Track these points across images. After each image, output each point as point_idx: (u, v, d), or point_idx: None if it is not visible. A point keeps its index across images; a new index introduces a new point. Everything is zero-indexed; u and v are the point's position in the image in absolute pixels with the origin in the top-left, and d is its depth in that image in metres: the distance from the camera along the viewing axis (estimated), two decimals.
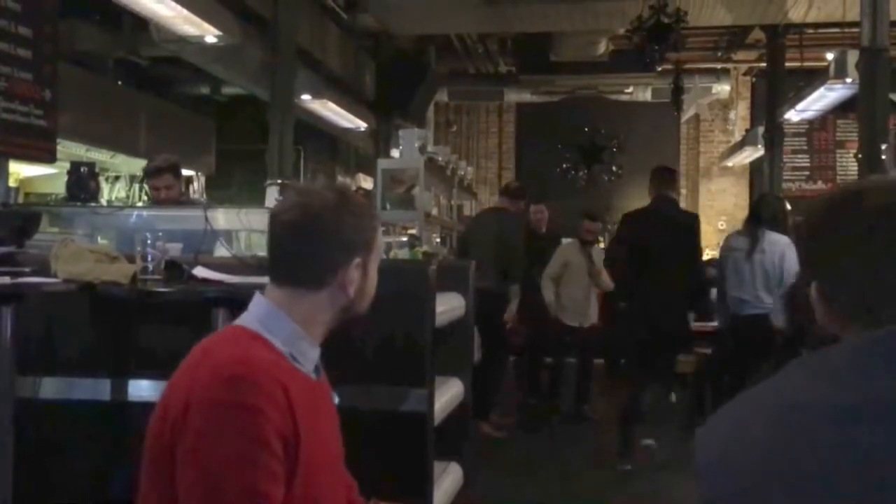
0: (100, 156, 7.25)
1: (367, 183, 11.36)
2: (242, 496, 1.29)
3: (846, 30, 8.79)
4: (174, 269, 2.59)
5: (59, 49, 4.97)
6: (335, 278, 1.47)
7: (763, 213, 5.27)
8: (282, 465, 1.33)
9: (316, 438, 1.42)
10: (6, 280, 2.40)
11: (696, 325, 7.47)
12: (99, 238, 3.65)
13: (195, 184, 8.00)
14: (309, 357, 1.49)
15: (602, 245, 7.11)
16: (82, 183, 3.60)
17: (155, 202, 4.37)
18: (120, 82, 8.19)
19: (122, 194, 7.78)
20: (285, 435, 1.34)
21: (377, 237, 1.54)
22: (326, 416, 1.52)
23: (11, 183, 6.10)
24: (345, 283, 1.47)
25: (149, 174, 4.46)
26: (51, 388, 2.61)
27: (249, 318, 1.47)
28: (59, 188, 6.30)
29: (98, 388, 2.58)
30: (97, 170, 5.74)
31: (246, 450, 1.31)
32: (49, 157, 4.79)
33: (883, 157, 5.90)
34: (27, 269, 2.56)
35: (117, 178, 7.90)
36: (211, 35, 6.24)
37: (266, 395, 1.34)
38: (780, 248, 5.03)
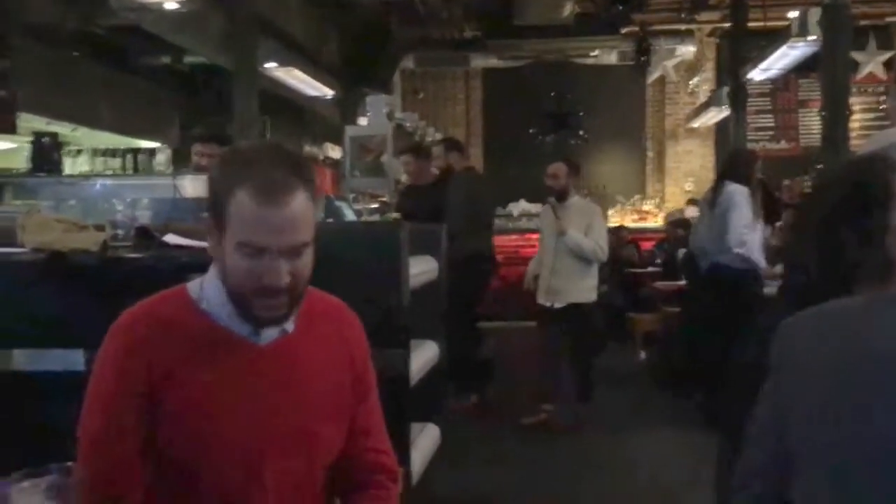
0: (61, 129, 7.09)
1: (335, 152, 11.26)
2: (86, 432, 1.46)
3: None
4: (144, 237, 2.56)
5: (14, 19, 4.85)
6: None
7: (725, 166, 5.40)
8: (133, 413, 1.43)
9: (209, 399, 1.44)
10: None
11: (662, 284, 7.57)
12: (64, 210, 3.59)
13: (160, 156, 7.86)
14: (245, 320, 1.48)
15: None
16: (45, 154, 3.54)
17: (195, 168, 4.30)
18: (77, 54, 7.99)
19: (86, 168, 7.64)
20: (145, 383, 1.43)
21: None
22: (263, 379, 1.48)
23: None
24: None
25: (198, 139, 4.48)
26: (22, 359, 2.58)
27: (197, 279, 1.53)
28: (20, 163, 6.16)
29: (70, 359, 2.55)
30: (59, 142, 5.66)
31: (94, 392, 1.46)
32: (8, 129, 4.70)
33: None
34: None
35: (79, 151, 7.75)
36: (171, 2, 6.11)
37: (125, 345, 1.45)
38: (728, 199, 5.04)
